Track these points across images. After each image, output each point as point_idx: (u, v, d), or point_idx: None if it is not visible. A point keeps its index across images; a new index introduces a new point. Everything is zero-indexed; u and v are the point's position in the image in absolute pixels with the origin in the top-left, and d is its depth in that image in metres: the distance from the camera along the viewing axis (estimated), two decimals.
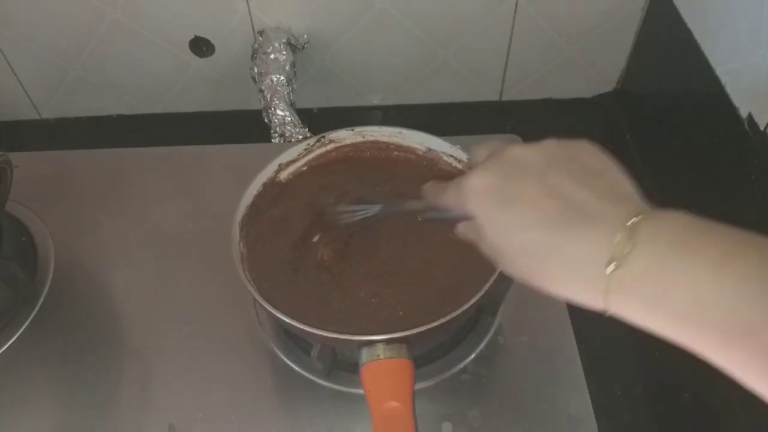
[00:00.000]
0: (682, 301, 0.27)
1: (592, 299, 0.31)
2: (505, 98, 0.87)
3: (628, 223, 0.30)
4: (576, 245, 0.31)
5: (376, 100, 0.86)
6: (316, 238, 0.58)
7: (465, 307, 0.49)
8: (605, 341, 0.61)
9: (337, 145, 0.65)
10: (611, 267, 0.29)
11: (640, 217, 0.30)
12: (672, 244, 0.28)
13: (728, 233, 0.28)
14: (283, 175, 0.63)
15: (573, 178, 0.33)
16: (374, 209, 0.51)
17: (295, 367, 0.58)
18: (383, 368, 0.48)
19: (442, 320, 0.48)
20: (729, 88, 0.59)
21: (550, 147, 0.36)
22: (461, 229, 0.41)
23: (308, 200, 0.62)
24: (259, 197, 0.60)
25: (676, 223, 0.30)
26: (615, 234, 0.30)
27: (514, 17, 0.76)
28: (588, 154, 0.35)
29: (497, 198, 0.35)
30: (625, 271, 0.29)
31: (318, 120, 0.85)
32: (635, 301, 0.29)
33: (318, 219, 0.60)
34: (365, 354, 0.48)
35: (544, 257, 0.32)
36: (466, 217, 0.37)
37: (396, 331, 0.48)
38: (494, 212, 0.35)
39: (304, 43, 0.76)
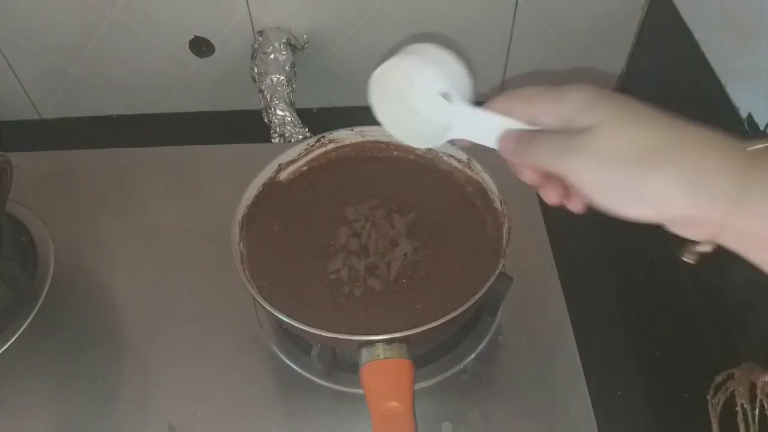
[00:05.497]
0: None
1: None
2: None
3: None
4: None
5: None
6: (316, 239, 0.58)
7: (465, 307, 0.49)
8: (605, 341, 0.61)
9: (337, 145, 0.65)
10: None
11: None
12: None
13: None
14: (283, 175, 0.63)
15: None
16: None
17: (295, 367, 0.58)
18: (383, 368, 0.48)
19: (442, 320, 0.48)
20: (729, 88, 0.59)
21: None
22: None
23: (310, 201, 0.62)
24: (259, 197, 0.60)
25: None
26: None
27: (514, 17, 0.76)
28: None
29: None
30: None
31: (318, 120, 0.85)
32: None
33: (320, 219, 0.60)
34: (365, 354, 0.48)
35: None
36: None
37: (396, 331, 0.48)
38: None
39: (304, 43, 0.76)
